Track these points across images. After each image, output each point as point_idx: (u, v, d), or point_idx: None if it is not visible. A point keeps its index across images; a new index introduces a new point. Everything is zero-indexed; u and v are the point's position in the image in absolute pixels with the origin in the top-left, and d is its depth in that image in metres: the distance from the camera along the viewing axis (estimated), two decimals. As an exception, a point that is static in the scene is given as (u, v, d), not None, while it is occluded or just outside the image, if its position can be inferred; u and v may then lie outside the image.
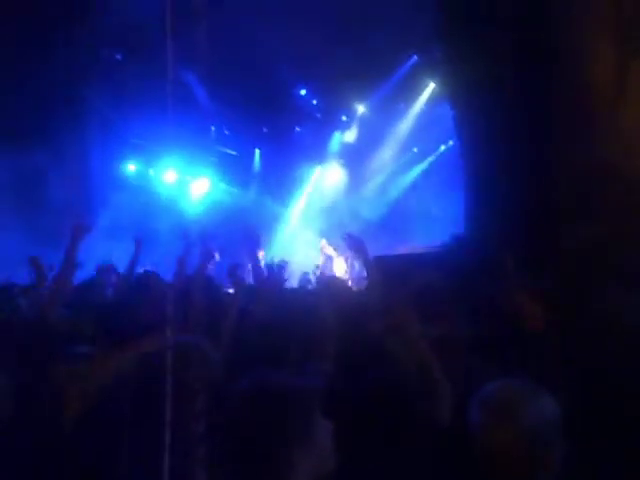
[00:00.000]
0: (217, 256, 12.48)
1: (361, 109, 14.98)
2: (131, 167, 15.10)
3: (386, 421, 2.37)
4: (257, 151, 16.43)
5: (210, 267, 5.44)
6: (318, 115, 15.27)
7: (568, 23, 5.77)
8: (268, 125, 15.39)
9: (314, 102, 15.05)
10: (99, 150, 12.97)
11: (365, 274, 3.68)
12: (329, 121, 15.38)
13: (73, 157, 11.80)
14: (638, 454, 2.29)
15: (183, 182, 16.19)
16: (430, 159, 14.73)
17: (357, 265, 14.35)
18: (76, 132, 11.76)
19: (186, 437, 2.13)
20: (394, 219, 14.21)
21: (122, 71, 12.02)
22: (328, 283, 4.56)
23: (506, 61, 6.06)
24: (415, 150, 15.11)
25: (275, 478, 1.51)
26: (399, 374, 2.59)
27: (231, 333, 3.11)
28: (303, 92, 14.82)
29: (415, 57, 13.13)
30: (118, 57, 12.16)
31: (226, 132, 15.77)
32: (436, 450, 2.20)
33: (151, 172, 15.51)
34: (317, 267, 13.51)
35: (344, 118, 15.41)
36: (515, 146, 5.87)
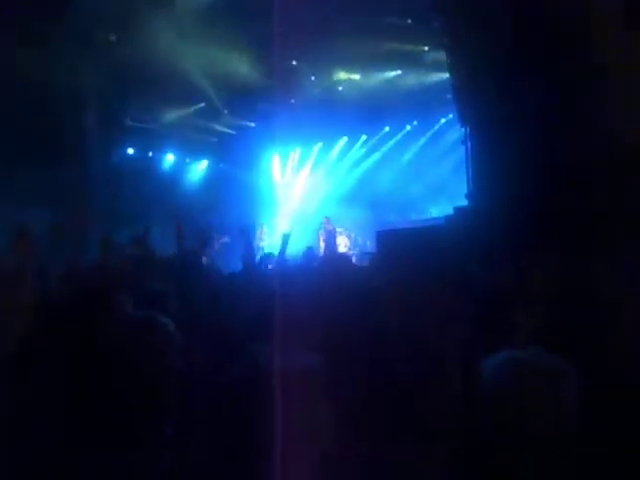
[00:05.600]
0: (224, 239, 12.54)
1: (356, 77, 14.60)
2: (130, 151, 15.03)
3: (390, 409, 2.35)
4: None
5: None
6: (315, 91, 15.01)
7: (577, 5, 5.65)
8: (266, 103, 15.12)
9: (312, 78, 14.75)
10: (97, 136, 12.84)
11: (367, 250, 3.73)
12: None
13: (71, 146, 11.64)
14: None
15: (182, 164, 16.12)
16: (431, 132, 14.58)
17: (360, 240, 14.39)
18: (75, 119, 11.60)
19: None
20: (397, 191, 14.17)
21: (117, 53, 11.81)
22: (333, 260, 4.54)
23: (507, 41, 5.95)
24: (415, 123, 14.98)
25: (277, 462, 1.48)
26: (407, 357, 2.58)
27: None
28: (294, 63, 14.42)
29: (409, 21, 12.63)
30: (112, 39, 11.95)
31: (225, 112, 15.61)
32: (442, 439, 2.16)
33: (150, 155, 15.45)
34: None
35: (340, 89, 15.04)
36: (523, 124, 5.80)
